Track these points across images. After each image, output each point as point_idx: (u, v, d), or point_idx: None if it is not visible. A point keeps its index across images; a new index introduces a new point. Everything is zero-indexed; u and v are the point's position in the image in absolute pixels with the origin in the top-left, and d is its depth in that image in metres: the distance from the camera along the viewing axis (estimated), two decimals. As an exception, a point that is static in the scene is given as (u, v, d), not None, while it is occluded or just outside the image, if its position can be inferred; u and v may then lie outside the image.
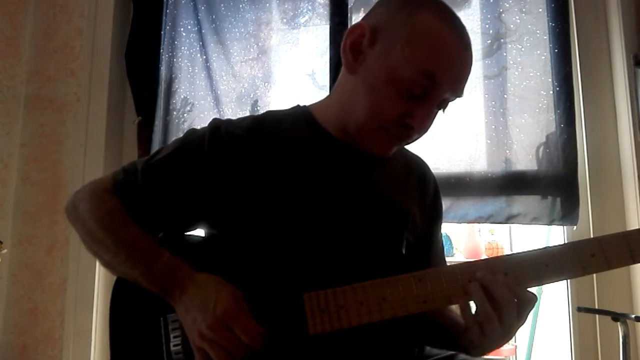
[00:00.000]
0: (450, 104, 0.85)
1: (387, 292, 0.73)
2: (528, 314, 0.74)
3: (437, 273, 0.74)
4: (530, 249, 0.75)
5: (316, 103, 0.94)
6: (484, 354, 0.80)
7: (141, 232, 0.81)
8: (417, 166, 1.01)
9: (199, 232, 0.92)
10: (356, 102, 0.83)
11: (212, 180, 0.83)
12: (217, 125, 0.88)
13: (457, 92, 0.82)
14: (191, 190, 0.84)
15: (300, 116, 0.92)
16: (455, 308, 0.90)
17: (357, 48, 0.83)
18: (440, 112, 0.85)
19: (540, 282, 0.75)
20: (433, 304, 0.73)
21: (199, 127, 0.90)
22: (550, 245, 0.81)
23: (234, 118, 0.95)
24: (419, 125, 0.81)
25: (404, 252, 0.88)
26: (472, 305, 0.75)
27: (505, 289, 0.71)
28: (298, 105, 0.95)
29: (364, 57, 0.82)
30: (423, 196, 0.97)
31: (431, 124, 0.84)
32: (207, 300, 0.72)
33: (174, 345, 0.78)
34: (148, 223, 0.82)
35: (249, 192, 0.82)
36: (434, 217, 0.99)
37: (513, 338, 2.44)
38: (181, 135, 0.93)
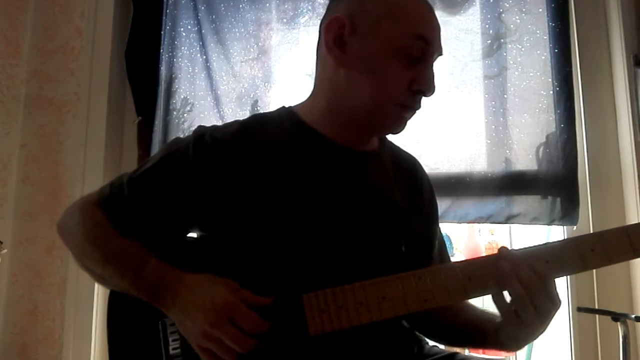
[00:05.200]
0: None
1: (387, 291, 0.72)
2: (556, 296, 0.72)
3: (436, 271, 0.74)
4: (530, 245, 0.75)
5: (300, 103, 0.94)
6: (523, 346, 0.80)
7: (127, 242, 0.80)
8: (407, 163, 1.00)
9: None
10: (357, 92, 0.84)
11: (199, 188, 0.82)
12: (202, 133, 0.87)
13: (440, 47, 0.86)
14: (178, 199, 0.83)
15: (285, 117, 0.91)
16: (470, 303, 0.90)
17: (340, 40, 0.83)
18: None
19: None
20: (434, 302, 0.73)
21: (186, 134, 0.90)
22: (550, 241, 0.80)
23: (233, 118, 0.95)
24: (428, 85, 0.83)
25: (403, 249, 0.88)
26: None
27: (529, 270, 0.70)
28: (283, 107, 0.95)
29: (350, 47, 0.83)
30: (416, 193, 0.96)
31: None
32: (204, 298, 0.71)
33: (173, 349, 0.77)
34: (136, 234, 0.82)
35: (240, 196, 0.81)
36: (432, 216, 0.99)
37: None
38: (181, 135, 0.93)
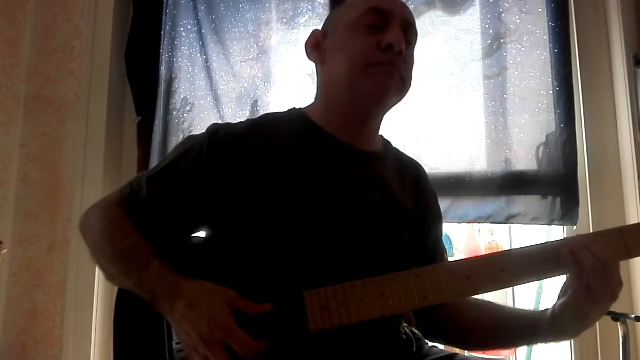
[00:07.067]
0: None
1: (386, 289, 0.73)
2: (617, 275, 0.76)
3: (435, 269, 0.75)
4: (529, 244, 0.75)
5: (309, 106, 0.97)
6: (591, 324, 0.79)
7: (138, 240, 0.81)
8: (411, 167, 1.02)
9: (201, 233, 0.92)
10: (336, 70, 0.90)
11: (214, 184, 0.84)
12: (216, 129, 0.89)
13: (406, 15, 0.90)
14: (194, 195, 0.84)
15: (296, 118, 0.93)
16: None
17: (317, 45, 0.95)
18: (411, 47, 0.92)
19: (538, 277, 0.74)
20: (433, 299, 0.74)
21: (198, 130, 0.91)
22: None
23: (233, 118, 0.96)
24: (394, 39, 0.85)
25: (405, 249, 0.88)
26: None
27: (590, 255, 0.73)
28: (294, 108, 0.97)
29: (325, 46, 0.94)
30: (420, 197, 0.97)
31: (405, 48, 0.87)
32: (200, 317, 0.71)
33: (177, 343, 0.78)
34: (154, 231, 0.83)
35: (251, 193, 0.83)
36: (435, 220, 1.00)
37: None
38: (181, 135, 0.94)
